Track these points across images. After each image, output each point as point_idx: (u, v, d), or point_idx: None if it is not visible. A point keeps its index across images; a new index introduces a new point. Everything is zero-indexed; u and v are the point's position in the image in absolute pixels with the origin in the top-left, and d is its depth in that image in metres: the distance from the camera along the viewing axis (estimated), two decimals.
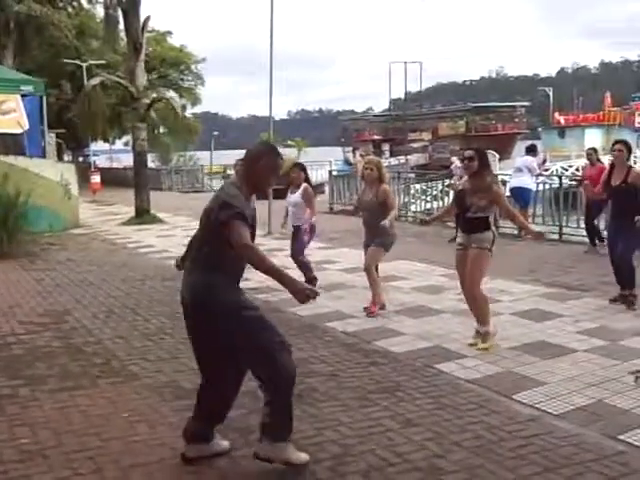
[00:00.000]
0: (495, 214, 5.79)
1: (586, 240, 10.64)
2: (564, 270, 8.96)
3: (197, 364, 3.60)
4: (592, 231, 10.51)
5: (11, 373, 5.02)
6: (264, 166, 3.44)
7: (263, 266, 3.24)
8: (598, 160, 10.88)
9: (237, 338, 3.35)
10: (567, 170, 27.90)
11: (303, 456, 3.49)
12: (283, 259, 8.69)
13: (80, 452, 3.67)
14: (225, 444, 3.65)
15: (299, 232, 8.00)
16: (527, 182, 12.44)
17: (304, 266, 7.99)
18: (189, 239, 3.84)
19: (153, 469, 3.48)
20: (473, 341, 5.68)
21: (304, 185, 8.01)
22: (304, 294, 3.21)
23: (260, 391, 3.44)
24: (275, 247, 10.61)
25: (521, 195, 12.40)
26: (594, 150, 11.13)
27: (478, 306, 5.73)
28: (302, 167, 8.48)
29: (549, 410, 4.28)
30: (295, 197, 8.04)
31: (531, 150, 13.36)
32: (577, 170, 27.75)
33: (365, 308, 6.80)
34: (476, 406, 4.35)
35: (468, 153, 5.74)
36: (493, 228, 5.71)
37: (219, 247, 3.30)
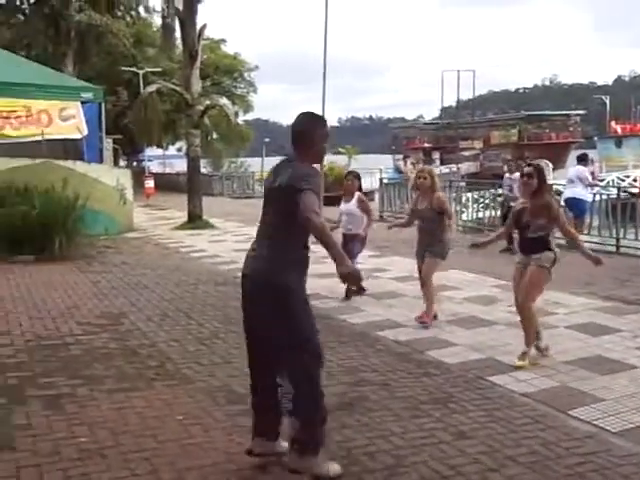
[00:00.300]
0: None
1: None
2: (621, 283, 8.73)
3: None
4: None
5: (70, 373, 5.16)
6: (321, 136, 3.52)
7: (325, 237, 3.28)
8: None
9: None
10: (624, 180, 27.19)
11: (334, 468, 3.44)
12: (330, 267, 8.72)
13: (137, 453, 3.74)
14: (285, 445, 3.64)
15: (352, 240, 7.98)
16: (581, 192, 12.24)
17: None
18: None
19: (207, 472, 3.52)
20: (519, 363, 5.45)
21: (358, 194, 8.03)
22: (353, 277, 3.32)
23: (285, 401, 3.45)
24: (324, 254, 10.62)
25: (576, 205, 12.19)
26: None
27: (525, 323, 5.57)
28: (356, 175, 8.49)
29: (607, 427, 4.17)
30: (350, 206, 8.04)
31: (582, 159, 13.09)
32: (635, 180, 27.04)
33: (417, 318, 6.72)
34: (531, 420, 4.27)
35: (527, 170, 5.58)
36: (554, 247, 5.50)
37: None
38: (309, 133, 3.50)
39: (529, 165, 5.78)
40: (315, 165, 3.64)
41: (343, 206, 8.20)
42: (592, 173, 17.77)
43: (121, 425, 4.14)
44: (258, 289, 3.41)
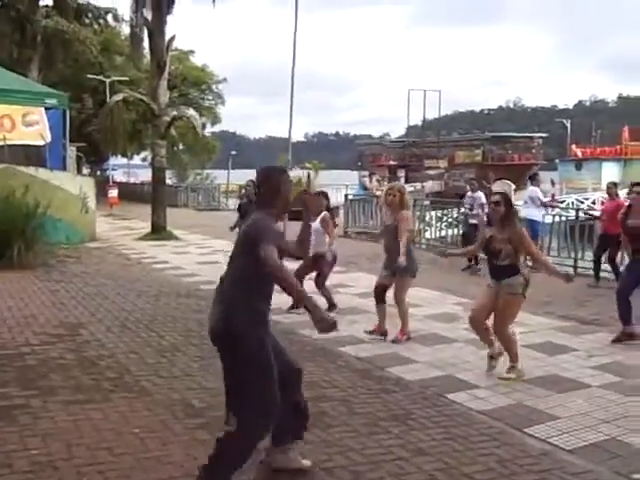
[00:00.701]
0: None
1: (606, 275, 10.56)
2: (579, 303, 8.91)
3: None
4: (615, 266, 10.46)
5: (24, 383, 5.05)
6: (287, 190, 3.52)
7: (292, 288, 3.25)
8: (617, 195, 10.89)
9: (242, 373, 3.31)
10: (583, 203, 27.82)
11: None
12: (307, 283, 8.74)
13: (91, 466, 3.68)
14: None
15: (319, 260, 8.05)
16: (533, 213, 12.16)
17: (326, 295, 8.09)
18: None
19: None
20: (507, 376, 5.58)
21: (324, 213, 8.12)
22: (328, 324, 3.21)
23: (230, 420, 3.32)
24: (292, 268, 10.64)
25: (530, 226, 12.22)
26: (614, 184, 11.13)
27: (506, 346, 5.66)
28: (326, 195, 8.67)
29: (562, 445, 4.25)
30: (314, 224, 8.09)
31: (532, 179, 13.13)
32: (593, 203, 27.68)
33: (371, 331, 6.83)
34: (488, 438, 4.32)
35: (495, 198, 5.69)
36: (524, 271, 5.55)
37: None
38: (276, 186, 3.49)
39: (496, 193, 5.86)
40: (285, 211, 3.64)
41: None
42: (552, 195, 18.11)
43: (76, 437, 4.07)
44: (213, 334, 3.37)
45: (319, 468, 3.75)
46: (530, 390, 5.31)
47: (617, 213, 10.39)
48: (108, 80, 32.15)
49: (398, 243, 6.68)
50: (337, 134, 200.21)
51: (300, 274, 8.12)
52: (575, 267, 11.73)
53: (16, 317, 7.25)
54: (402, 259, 6.57)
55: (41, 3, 27.67)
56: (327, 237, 8.06)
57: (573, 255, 12.10)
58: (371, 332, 6.87)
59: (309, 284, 8.05)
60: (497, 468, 3.86)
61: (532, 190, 12.60)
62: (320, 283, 8.18)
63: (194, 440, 4.07)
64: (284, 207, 3.56)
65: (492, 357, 5.78)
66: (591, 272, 10.88)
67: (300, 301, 3.29)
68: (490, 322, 5.73)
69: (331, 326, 3.22)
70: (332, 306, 8.04)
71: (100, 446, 3.95)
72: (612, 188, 10.87)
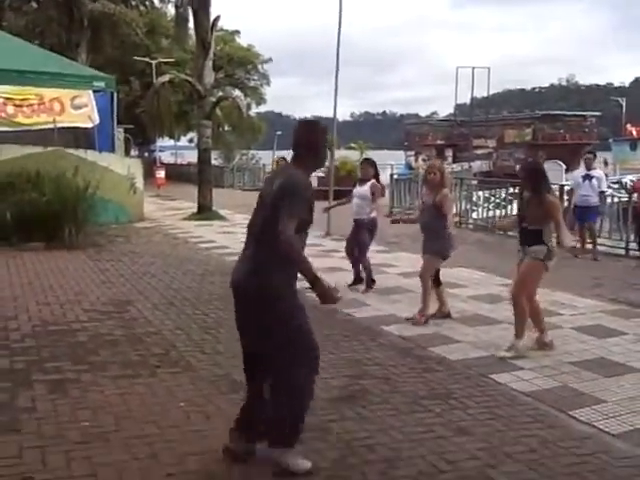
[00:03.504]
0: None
1: None
2: (629, 286, 8.70)
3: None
4: None
5: (75, 358, 5.22)
6: (325, 144, 3.56)
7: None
8: None
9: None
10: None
11: (304, 464, 3.43)
12: (338, 261, 8.76)
13: (138, 438, 3.79)
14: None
15: (360, 226, 8.02)
16: (595, 200, 11.44)
17: (366, 269, 8.04)
18: None
19: (207, 458, 3.56)
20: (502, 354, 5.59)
21: (372, 180, 8.06)
22: (331, 297, 3.29)
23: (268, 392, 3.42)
24: (332, 248, 10.67)
25: (595, 214, 11.75)
26: None
27: (516, 313, 5.71)
28: (372, 162, 8.52)
29: (607, 429, 4.17)
30: (362, 190, 8.06)
31: (588, 161, 12.03)
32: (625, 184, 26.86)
33: (408, 318, 6.68)
34: (531, 419, 4.28)
35: (520, 174, 5.88)
36: (550, 242, 5.61)
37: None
38: (309, 138, 3.50)
39: (523, 168, 6.02)
40: (321, 165, 3.67)
41: (356, 190, 8.21)
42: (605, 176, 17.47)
43: (124, 410, 4.19)
44: (243, 292, 3.40)
45: (360, 445, 3.78)
46: (577, 373, 5.22)
47: None
48: (154, 62, 32.50)
49: (436, 222, 6.59)
50: (384, 113, 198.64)
51: (349, 249, 8.12)
52: (627, 249, 11.46)
53: (67, 294, 7.47)
54: (451, 229, 6.64)
55: None
56: (372, 204, 7.98)
57: (625, 237, 11.80)
58: (433, 315, 6.73)
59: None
60: (539, 449, 3.82)
61: (600, 174, 11.76)
62: (361, 254, 8.05)
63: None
64: (321, 162, 3.61)
65: (542, 343, 5.78)
66: None
67: (305, 274, 3.26)
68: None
69: (334, 298, 3.31)
70: (372, 281, 8.01)
71: (147, 419, 4.07)
72: None
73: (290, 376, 3.35)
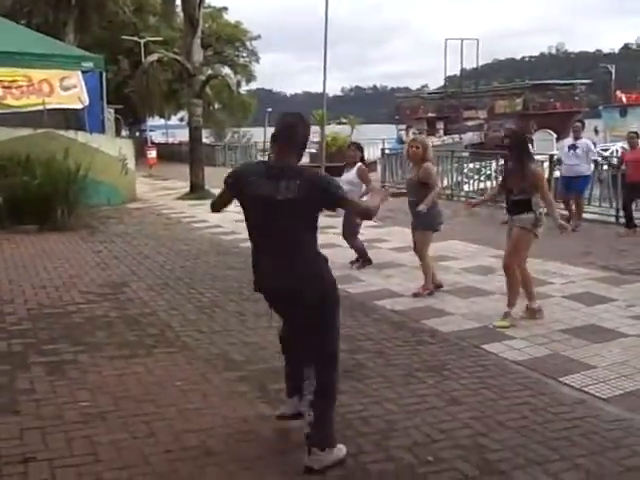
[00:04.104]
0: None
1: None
2: (618, 253, 8.79)
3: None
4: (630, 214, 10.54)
5: (72, 340, 5.26)
6: (306, 135, 3.41)
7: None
8: (638, 144, 10.77)
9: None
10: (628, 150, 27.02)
11: (341, 451, 3.40)
12: (333, 237, 8.80)
13: (136, 417, 3.85)
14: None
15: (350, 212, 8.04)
16: (585, 169, 11.37)
17: (358, 250, 8.11)
18: None
19: (205, 435, 3.62)
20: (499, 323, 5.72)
21: (359, 164, 8.07)
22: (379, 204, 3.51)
23: (308, 395, 3.33)
24: (327, 224, 10.69)
25: (583, 183, 11.55)
26: (636, 134, 11.03)
27: (508, 282, 5.86)
28: (358, 146, 8.60)
29: (597, 394, 4.26)
30: (350, 175, 8.08)
31: (577, 130, 11.76)
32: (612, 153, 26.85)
33: (414, 293, 6.75)
34: (522, 387, 4.36)
35: (507, 141, 6.03)
36: (539, 210, 5.70)
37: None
38: (299, 132, 3.35)
39: (507, 136, 6.07)
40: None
41: (344, 176, 8.24)
42: (595, 144, 17.39)
43: (122, 390, 4.25)
44: (296, 297, 3.30)
45: (355, 417, 3.86)
46: (567, 340, 5.31)
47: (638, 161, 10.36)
48: (143, 41, 32.14)
49: (422, 196, 6.63)
50: (374, 88, 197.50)
51: (346, 233, 8.15)
52: (617, 217, 11.52)
53: (62, 277, 7.50)
54: (422, 207, 6.54)
55: None
56: (362, 188, 8.02)
57: (615, 204, 11.86)
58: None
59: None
60: (531, 416, 3.90)
61: (585, 143, 11.45)
62: (351, 235, 8.14)
63: (234, 392, 4.21)
64: (301, 154, 3.46)
65: (530, 310, 5.86)
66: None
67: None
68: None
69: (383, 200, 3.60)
70: (366, 261, 8.08)
71: (145, 398, 4.12)
72: (634, 137, 10.86)
73: (329, 355, 3.37)
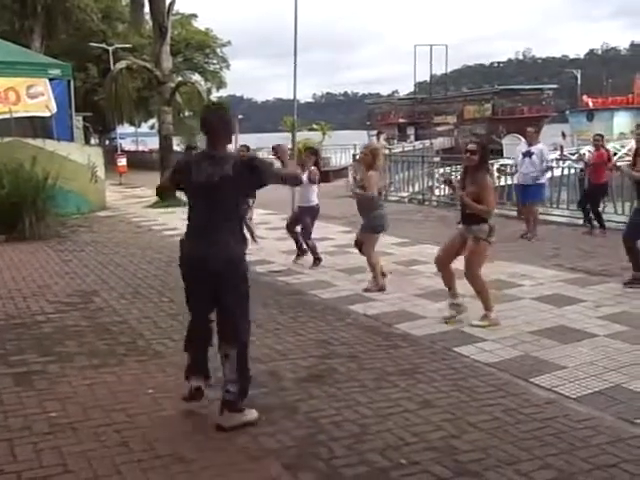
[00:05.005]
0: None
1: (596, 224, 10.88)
2: (586, 255, 8.92)
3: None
4: (598, 215, 10.85)
5: (41, 350, 5.18)
6: (231, 124, 3.95)
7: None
8: (602, 146, 11.06)
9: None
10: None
11: (253, 414, 3.86)
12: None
13: (107, 426, 3.80)
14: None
15: (303, 212, 8.40)
16: (539, 177, 10.82)
17: (312, 248, 8.36)
18: None
19: (177, 442, 3.59)
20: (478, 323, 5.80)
21: (312, 167, 8.33)
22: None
23: (226, 367, 3.83)
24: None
25: (538, 192, 11.08)
26: (601, 136, 11.37)
27: (479, 294, 5.89)
28: (313, 151, 9.03)
29: (567, 394, 4.32)
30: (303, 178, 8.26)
31: (530, 136, 11.43)
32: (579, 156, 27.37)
33: (365, 290, 7.07)
34: (494, 389, 4.40)
35: (470, 147, 5.85)
36: (491, 220, 5.78)
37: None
38: (226, 122, 3.87)
39: (472, 142, 6.10)
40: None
41: None
42: (562, 148, 17.66)
43: (92, 400, 4.19)
44: (222, 266, 3.76)
45: (328, 422, 3.86)
46: (537, 342, 5.37)
47: (602, 164, 10.56)
48: (111, 48, 31.88)
49: (365, 201, 7.07)
50: (346, 94, 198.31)
51: (290, 227, 8.43)
52: (586, 219, 11.67)
53: (30, 287, 7.39)
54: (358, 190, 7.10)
55: None
56: (314, 191, 8.36)
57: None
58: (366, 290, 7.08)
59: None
60: (502, 417, 3.94)
61: (539, 150, 10.79)
62: (305, 235, 8.42)
63: (206, 398, 4.17)
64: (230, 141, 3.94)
65: (453, 304, 6.01)
66: (605, 224, 10.80)
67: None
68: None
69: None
70: (317, 260, 8.27)
71: (115, 407, 4.07)
72: (599, 140, 11.10)
73: (243, 330, 3.85)
